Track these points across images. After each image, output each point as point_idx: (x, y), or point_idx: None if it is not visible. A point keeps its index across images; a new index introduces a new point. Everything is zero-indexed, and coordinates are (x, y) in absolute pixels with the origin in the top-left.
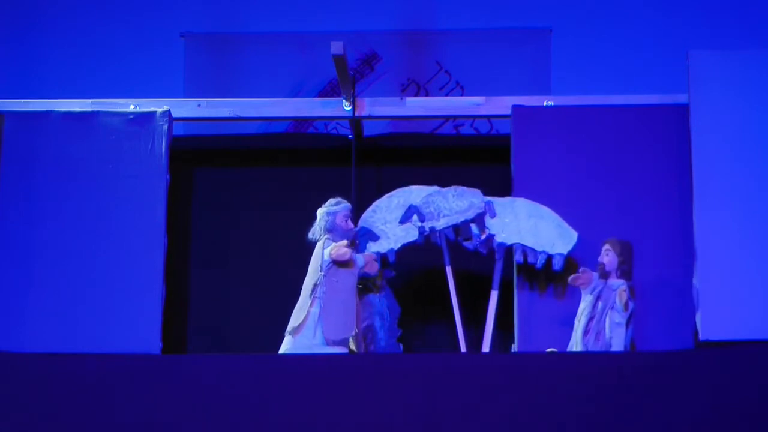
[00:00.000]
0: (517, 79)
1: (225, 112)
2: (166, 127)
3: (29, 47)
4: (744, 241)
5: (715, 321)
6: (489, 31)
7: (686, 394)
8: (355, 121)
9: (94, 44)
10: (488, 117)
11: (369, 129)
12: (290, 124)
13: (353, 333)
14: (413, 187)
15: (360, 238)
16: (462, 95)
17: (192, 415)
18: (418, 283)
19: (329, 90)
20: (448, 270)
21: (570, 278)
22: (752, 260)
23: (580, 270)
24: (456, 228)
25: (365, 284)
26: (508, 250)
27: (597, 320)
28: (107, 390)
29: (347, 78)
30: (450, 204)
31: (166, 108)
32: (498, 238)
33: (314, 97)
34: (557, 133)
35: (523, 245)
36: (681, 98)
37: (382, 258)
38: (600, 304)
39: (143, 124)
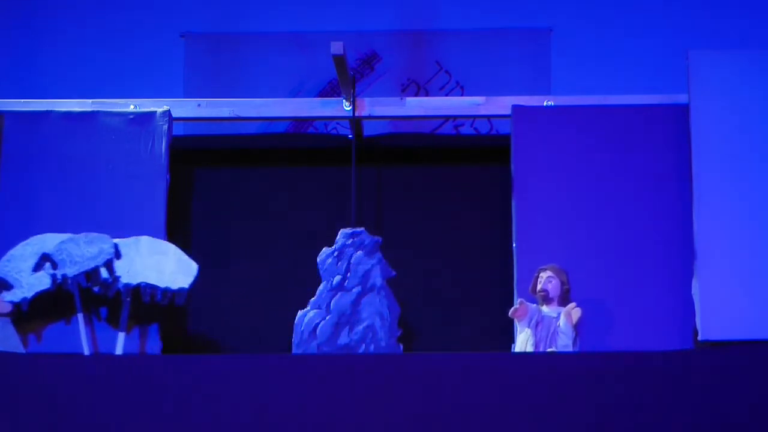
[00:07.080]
0: (517, 79)
1: (225, 112)
2: (166, 127)
3: (29, 47)
4: (744, 242)
5: (715, 321)
6: (489, 31)
7: (686, 394)
8: (355, 121)
9: (94, 44)
10: (488, 117)
11: (369, 129)
12: (290, 124)
13: None
14: (48, 235)
15: None
16: (462, 95)
17: (192, 415)
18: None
19: (329, 90)
20: (80, 317)
21: (510, 312)
22: (752, 260)
23: (517, 302)
24: (88, 274)
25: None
26: (135, 289)
27: (543, 349)
28: (107, 390)
29: (347, 78)
30: (81, 251)
31: (166, 108)
32: (123, 279)
33: (314, 97)
34: (557, 133)
35: (147, 283)
36: (681, 98)
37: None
38: (540, 333)
39: (143, 124)
